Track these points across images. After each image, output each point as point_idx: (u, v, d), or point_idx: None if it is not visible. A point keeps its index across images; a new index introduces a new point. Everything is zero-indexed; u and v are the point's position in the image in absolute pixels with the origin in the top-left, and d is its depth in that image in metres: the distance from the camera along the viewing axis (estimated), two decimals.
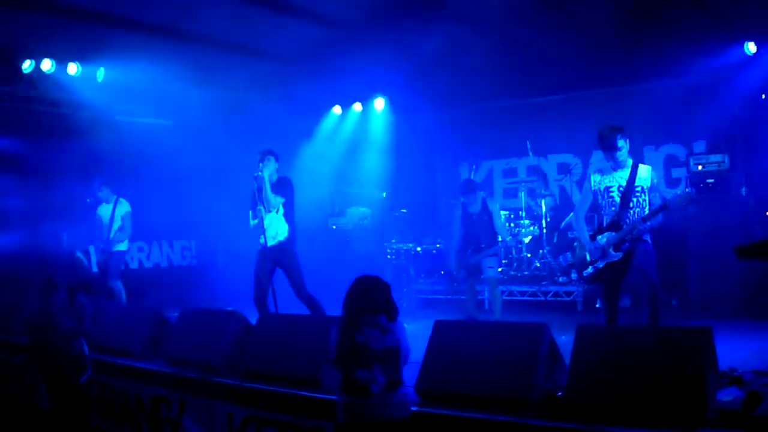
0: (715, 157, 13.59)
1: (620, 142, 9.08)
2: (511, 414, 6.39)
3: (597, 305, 13.49)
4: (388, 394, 5.84)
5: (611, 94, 15.47)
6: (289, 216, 11.27)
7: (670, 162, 15.78)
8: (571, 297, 14.34)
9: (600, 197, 9.32)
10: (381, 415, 5.80)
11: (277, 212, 11.18)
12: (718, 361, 6.38)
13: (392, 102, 18.38)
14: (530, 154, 16.41)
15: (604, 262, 9.20)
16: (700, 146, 15.22)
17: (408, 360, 6.15)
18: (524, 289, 14.81)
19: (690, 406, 5.84)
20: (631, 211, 8.99)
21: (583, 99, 15.95)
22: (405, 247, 16.97)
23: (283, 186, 11.28)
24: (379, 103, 18.69)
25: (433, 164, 18.78)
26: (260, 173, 11.01)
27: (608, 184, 9.22)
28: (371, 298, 6.04)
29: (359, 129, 19.15)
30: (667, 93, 14.54)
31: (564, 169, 17.09)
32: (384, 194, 18.11)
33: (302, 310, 11.05)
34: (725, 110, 14.03)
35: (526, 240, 15.39)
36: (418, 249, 16.86)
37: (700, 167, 13.62)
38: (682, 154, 15.57)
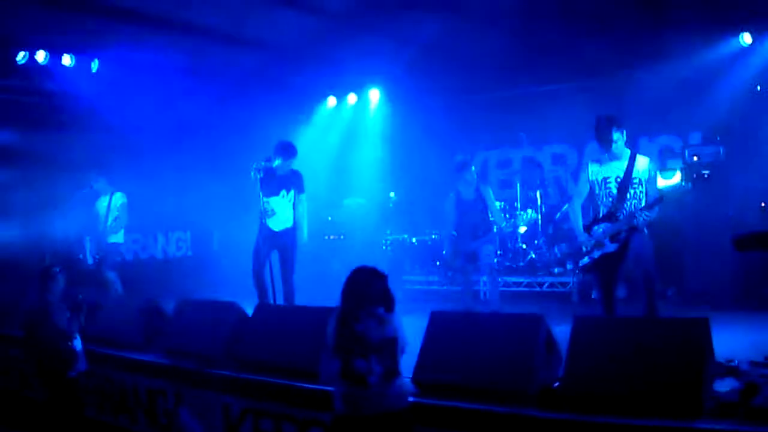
0: (710, 149, 13.58)
1: (615, 135, 9.07)
2: (508, 405, 6.40)
3: (593, 296, 13.50)
4: (385, 385, 5.85)
5: (606, 85, 15.42)
6: (296, 206, 12.02)
7: (665, 153, 15.77)
8: (567, 288, 14.34)
9: (597, 188, 9.30)
10: (378, 405, 5.82)
11: (289, 201, 11.91)
12: (715, 351, 6.38)
13: (388, 92, 18.39)
14: (524, 144, 16.40)
15: (600, 253, 9.20)
16: (695, 137, 15.18)
17: (405, 351, 6.16)
18: (519, 279, 14.81)
19: (687, 396, 5.85)
20: (628, 203, 8.98)
21: (578, 89, 15.87)
22: (400, 238, 16.97)
23: (295, 178, 12.10)
24: (375, 94, 18.71)
25: (428, 155, 18.75)
26: (264, 163, 11.56)
27: (606, 175, 9.21)
28: (369, 288, 6.06)
29: (355, 120, 19.17)
30: (662, 84, 14.48)
31: (559, 159, 17.10)
32: (393, 194, 18.04)
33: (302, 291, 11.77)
34: (721, 101, 13.99)
35: (522, 230, 15.37)
36: (414, 240, 16.85)
37: (695, 158, 13.61)
38: (677, 145, 15.55)
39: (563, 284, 14.36)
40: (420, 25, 13.81)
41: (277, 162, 11.75)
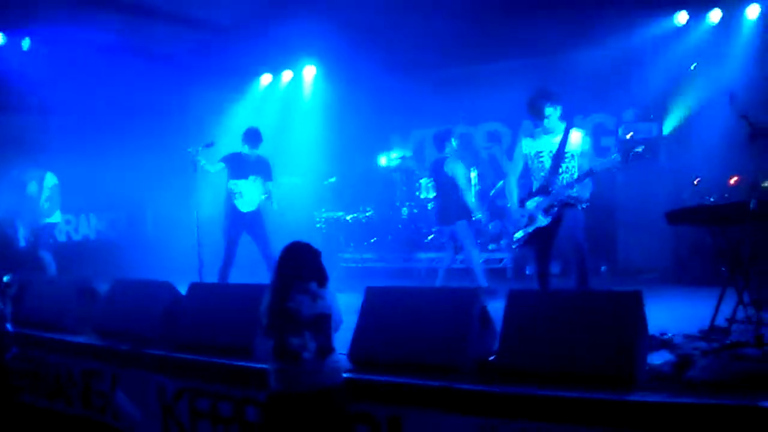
0: (644, 126, 13.75)
1: (548, 110, 9.14)
2: (444, 379, 6.41)
3: (527, 271, 13.62)
4: (319, 361, 5.82)
5: (541, 64, 15.48)
6: (265, 188, 12.79)
7: (599, 131, 15.90)
8: (501, 263, 14.46)
9: (530, 162, 9.38)
10: (312, 382, 5.79)
11: (255, 182, 12.59)
12: (649, 325, 6.44)
13: (324, 70, 18.30)
14: (460, 122, 16.44)
15: (534, 227, 9.27)
16: (629, 115, 15.33)
17: (339, 327, 6.15)
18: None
19: (620, 368, 5.89)
20: (560, 177, 9.07)
21: (513, 68, 15.93)
22: (335, 216, 16.96)
23: (262, 162, 12.84)
24: (310, 71, 18.62)
25: (364, 133, 18.72)
26: (196, 148, 12.06)
27: (539, 149, 9.29)
28: (301, 264, 6.03)
29: (290, 97, 19.06)
30: (596, 62, 14.59)
31: (493, 137, 17.18)
32: (333, 179, 18.01)
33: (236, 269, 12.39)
34: (655, 79, 14.14)
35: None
36: (348, 218, 16.84)
37: (628, 136, 13.76)
38: (611, 123, 15.72)
39: (498, 260, 14.45)
40: (357, 2, 13.74)
41: (246, 148, 12.59)
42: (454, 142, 12.48)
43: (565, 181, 9.00)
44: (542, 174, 9.21)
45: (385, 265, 15.25)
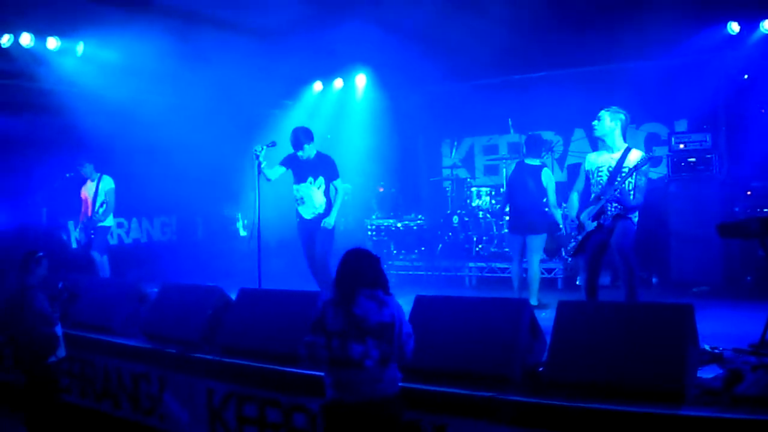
0: (696, 136, 13.64)
1: (608, 127, 9.33)
2: (493, 390, 6.39)
3: (577, 282, 13.53)
4: (381, 369, 5.78)
5: (593, 73, 15.42)
6: (327, 192, 11.81)
7: (651, 140, 15.81)
8: (552, 274, 14.35)
9: (591, 176, 9.48)
10: (372, 391, 5.75)
11: (319, 187, 11.74)
12: (699, 338, 6.39)
13: (374, 78, 18.28)
14: (512, 131, 16.39)
15: (583, 234, 9.31)
16: (681, 125, 15.27)
17: (411, 339, 6.02)
18: (505, 266, 14.76)
19: (670, 382, 5.86)
20: (615, 189, 9.06)
21: (565, 77, 15.87)
22: (385, 224, 16.97)
23: (326, 162, 11.90)
24: (361, 80, 18.61)
25: (415, 141, 18.72)
26: (259, 146, 11.22)
27: (599, 165, 9.36)
28: (366, 271, 6.01)
29: (341, 105, 19.06)
30: (649, 72, 14.49)
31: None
32: (381, 187, 18.01)
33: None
34: (708, 90, 14.01)
35: (507, 217, 15.33)
36: (399, 225, 16.85)
37: (681, 146, 13.67)
38: (663, 132, 15.62)
39: (548, 270, 14.36)
40: (408, 10, 13.74)
41: (299, 151, 11.62)
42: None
43: (617, 192, 8.98)
44: (599, 187, 9.28)
45: (435, 274, 15.20)
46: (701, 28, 13.83)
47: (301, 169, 11.75)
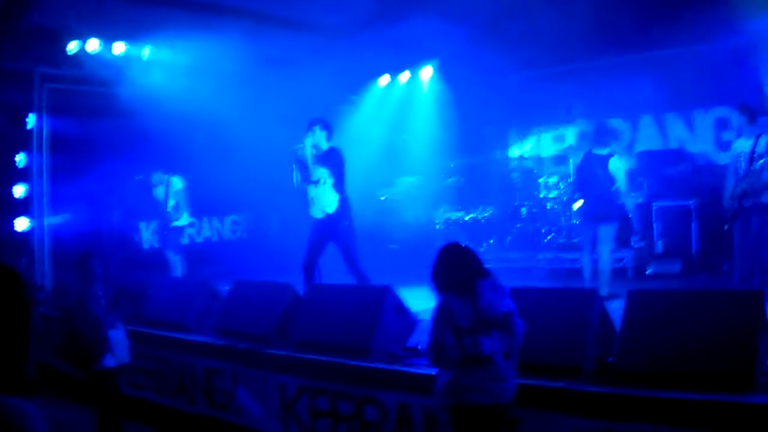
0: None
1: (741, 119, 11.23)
2: (564, 380, 6.39)
3: (647, 272, 13.46)
4: (505, 366, 5.65)
5: (660, 57, 15.22)
6: (338, 187, 11.21)
7: (720, 125, 15.60)
8: (621, 263, 14.21)
9: (737, 161, 11.09)
10: (501, 391, 5.60)
11: (324, 184, 11.16)
12: None
13: (441, 70, 18.30)
14: (577, 119, 16.29)
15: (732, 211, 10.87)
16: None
17: (519, 326, 5.81)
18: (574, 256, 14.66)
19: (740, 370, 5.81)
20: (754, 173, 10.60)
21: (632, 62, 15.70)
22: (454, 216, 16.96)
23: (329, 156, 11.31)
24: (427, 72, 18.64)
25: (482, 132, 18.68)
26: (301, 145, 11.14)
27: (741, 150, 11.02)
28: (475, 261, 5.94)
29: (407, 98, 19.09)
30: (716, 55, 14.30)
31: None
32: (452, 179, 18.01)
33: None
34: None
35: (575, 207, 15.21)
36: (467, 218, 16.83)
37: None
38: (732, 116, 15.41)
39: (618, 260, 14.21)
40: (473, 2, 13.74)
41: (305, 138, 11.23)
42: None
43: (755, 176, 10.41)
44: (742, 171, 10.87)
45: (504, 266, 15.14)
46: None
47: (304, 169, 11.27)
